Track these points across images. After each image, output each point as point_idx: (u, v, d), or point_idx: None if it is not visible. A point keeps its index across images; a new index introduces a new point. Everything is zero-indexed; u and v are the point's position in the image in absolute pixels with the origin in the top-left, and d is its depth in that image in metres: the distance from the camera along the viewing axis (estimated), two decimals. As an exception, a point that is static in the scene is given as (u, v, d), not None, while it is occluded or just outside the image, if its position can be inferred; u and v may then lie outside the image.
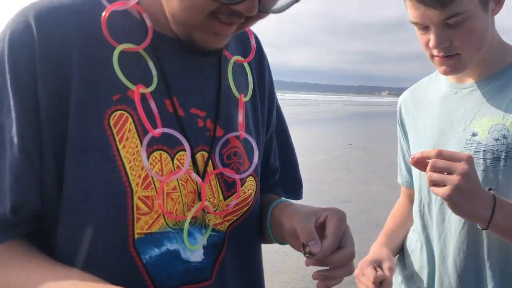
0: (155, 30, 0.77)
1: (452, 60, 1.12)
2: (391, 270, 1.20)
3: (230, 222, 0.85)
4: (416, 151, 1.15)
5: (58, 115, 0.71)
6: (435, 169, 1.02)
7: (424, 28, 1.11)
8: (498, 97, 1.14)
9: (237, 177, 0.83)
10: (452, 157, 1.01)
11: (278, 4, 0.73)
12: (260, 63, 0.97)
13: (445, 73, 1.16)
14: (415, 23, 1.12)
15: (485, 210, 1.02)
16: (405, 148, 1.41)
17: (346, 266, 0.77)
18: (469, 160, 1.00)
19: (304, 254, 0.73)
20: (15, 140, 0.69)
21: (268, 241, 0.96)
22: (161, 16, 0.76)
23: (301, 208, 0.84)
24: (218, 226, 0.83)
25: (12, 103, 0.69)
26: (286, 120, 1.09)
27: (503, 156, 1.09)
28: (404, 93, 1.43)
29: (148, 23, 0.76)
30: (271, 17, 0.77)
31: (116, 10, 0.74)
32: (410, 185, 1.39)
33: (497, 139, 1.10)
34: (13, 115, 0.69)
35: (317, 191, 7.08)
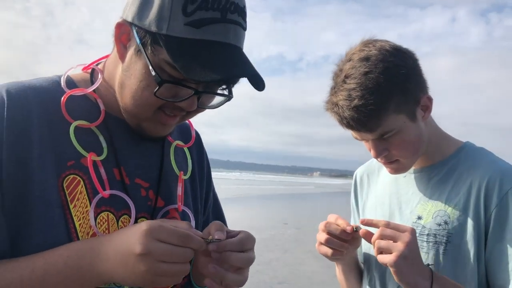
0: (108, 112, 0.93)
1: (394, 164, 1.22)
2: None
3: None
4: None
5: (18, 177, 0.80)
6: (383, 237, 1.10)
7: (364, 139, 1.21)
8: (441, 185, 1.24)
9: None
10: (398, 228, 1.10)
11: (214, 102, 0.90)
12: (201, 151, 1.12)
13: (391, 173, 1.27)
14: (355, 138, 1.22)
15: (425, 280, 1.09)
16: (358, 223, 1.46)
17: (240, 273, 0.84)
18: (413, 232, 1.09)
19: (209, 242, 0.81)
20: None
21: None
22: (114, 103, 0.92)
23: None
24: None
25: None
26: (221, 198, 1.19)
27: (444, 241, 1.17)
28: (360, 169, 1.50)
29: (102, 106, 0.92)
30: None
31: (74, 95, 0.90)
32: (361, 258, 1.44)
33: (439, 224, 1.19)
34: None
35: (254, 272, 6.94)
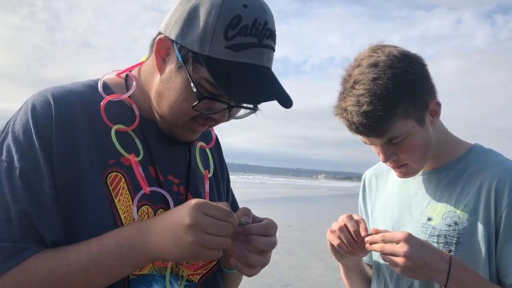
0: (142, 116, 1.01)
1: (403, 168, 1.23)
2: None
3: (201, 275, 1.02)
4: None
5: (69, 174, 0.88)
6: (385, 253, 1.12)
7: (373, 144, 1.22)
8: (451, 186, 1.24)
9: None
10: (392, 240, 1.12)
11: (240, 113, 1.00)
12: (219, 150, 1.22)
13: (400, 177, 1.27)
14: (364, 143, 1.23)
15: (440, 274, 1.10)
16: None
17: (263, 255, 0.92)
18: (407, 239, 1.10)
19: (239, 224, 0.89)
20: (48, 190, 0.86)
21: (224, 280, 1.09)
22: (147, 107, 1.01)
23: None
24: (191, 277, 1.00)
25: (42, 162, 0.86)
26: None
27: (454, 241, 1.18)
28: (369, 171, 1.50)
29: (136, 111, 1.01)
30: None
31: (112, 100, 0.98)
32: (369, 260, 1.45)
33: (449, 225, 1.20)
34: (44, 170, 0.86)
35: (259, 274, 6.89)
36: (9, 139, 0.88)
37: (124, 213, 0.92)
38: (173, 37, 0.92)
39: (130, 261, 0.86)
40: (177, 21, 0.92)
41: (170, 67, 0.93)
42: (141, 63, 1.05)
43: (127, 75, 1.05)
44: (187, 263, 0.98)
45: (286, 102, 0.92)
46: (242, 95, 0.89)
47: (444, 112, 1.24)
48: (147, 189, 0.95)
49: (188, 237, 0.82)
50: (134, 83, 1.01)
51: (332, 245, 1.24)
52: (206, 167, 1.13)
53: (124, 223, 0.91)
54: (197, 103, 0.90)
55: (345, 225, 1.20)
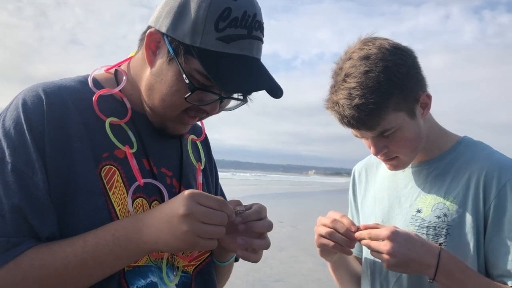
0: (133, 109, 1.02)
1: (394, 160, 1.23)
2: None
3: (195, 266, 1.04)
4: (364, 222, 1.28)
5: (62, 168, 0.88)
6: (372, 250, 1.13)
7: (364, 137, 1.22)
8: (440, 178, 1.25)
9: None
10: (378, 237, 1.11)
11: (230, 105, 1.01)
12: (207, 144, 1.24)
13: (390, 169, 1.28)
14: (355, 136, 1.23)
15: (428, 268, 1.11)
16: (355, 218, 1.48)
17: (263, 238, 0.96)
18: (391, 236, 1.09)
19: (236, 213, 0.92)
20: (41, 185, 0.86)
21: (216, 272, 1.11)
22: (138, 101, 1.02)
23: None
24: (186, 268, 1.02)
25: (34, 156, 0.86)
26: None
27: (443, 233, 1.19)
28: (359, 164, 1.51)
29: (128, 105, 1.02)
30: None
31: (102, 94, 0.98)
32: (358, 254, 1.46)
33: (438, 217, 1.21)
34: (37, 165, 0.86)
35: (249, 270, 6.95)
36: (0, 134, 0.88)
37: (119, 206, 0.93)
38: (164, 30, 0.92)
39: (126, 253, 0.87)
40: (167, 14, 0.93)
41: (161, 60, 0.94)
42: (129, 58, 1.06)
43: (116, 70, 1.05)
44: (182, 254, 0.99)
45: (276, 91, 0.94)
46: (234, 85, 0.90)
47: (433, 108, 1.24)
48: (141, 181, 0.95)
49: (183, 226, 0.83)
50: (124, 77, 1.02)
51: (321, 248, 1.23)
52: (198, 159, 1.14)
53: (119, 216, 0.92)
54: (190, 94, 0.91)
55: (333, 228, 1.17)
